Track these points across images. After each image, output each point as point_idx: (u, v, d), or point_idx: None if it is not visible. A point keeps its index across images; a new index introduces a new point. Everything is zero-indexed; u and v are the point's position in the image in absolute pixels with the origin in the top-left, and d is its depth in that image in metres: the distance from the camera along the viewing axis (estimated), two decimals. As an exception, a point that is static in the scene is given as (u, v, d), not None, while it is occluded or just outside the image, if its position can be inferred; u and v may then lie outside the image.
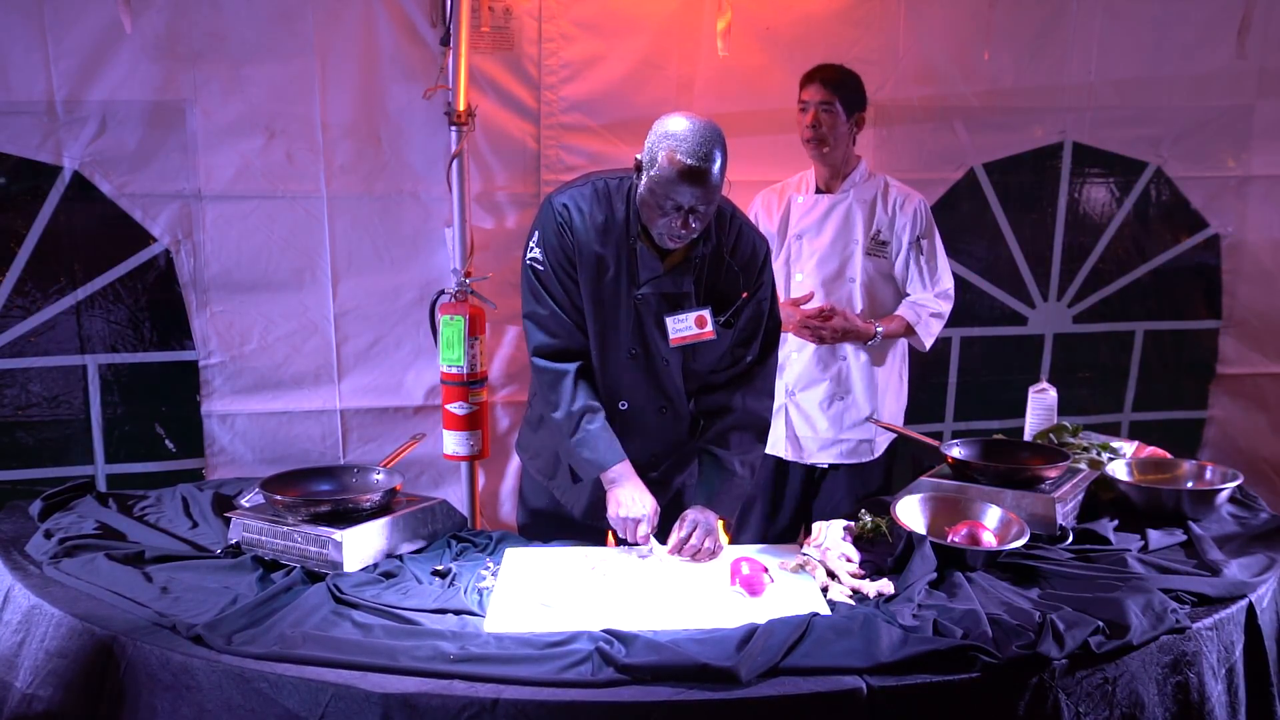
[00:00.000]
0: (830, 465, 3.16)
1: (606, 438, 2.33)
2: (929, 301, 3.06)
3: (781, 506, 3.24)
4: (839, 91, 2.93)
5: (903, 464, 3.31)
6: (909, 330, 3.06)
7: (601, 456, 2.32)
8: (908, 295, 3.09)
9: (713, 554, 2.28)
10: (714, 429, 2.44)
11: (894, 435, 3.18)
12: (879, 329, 3.01)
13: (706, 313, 2.34)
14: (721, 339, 2.38)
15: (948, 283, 3.10)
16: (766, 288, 2.42)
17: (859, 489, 3.15)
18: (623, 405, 2.41)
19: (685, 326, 2.34)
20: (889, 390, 3.17)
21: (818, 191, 3.09)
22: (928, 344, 3.10)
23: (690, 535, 2.28)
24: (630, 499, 2.30)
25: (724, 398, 2.45)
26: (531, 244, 2.33)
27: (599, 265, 2.30)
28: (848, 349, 3.09)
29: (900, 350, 3.20)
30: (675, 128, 2.15)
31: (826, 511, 3.15)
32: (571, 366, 2.34)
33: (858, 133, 3.03)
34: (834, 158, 3.01)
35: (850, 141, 3.02)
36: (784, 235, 3.10)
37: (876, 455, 3.17)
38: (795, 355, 3.11)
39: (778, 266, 3.07)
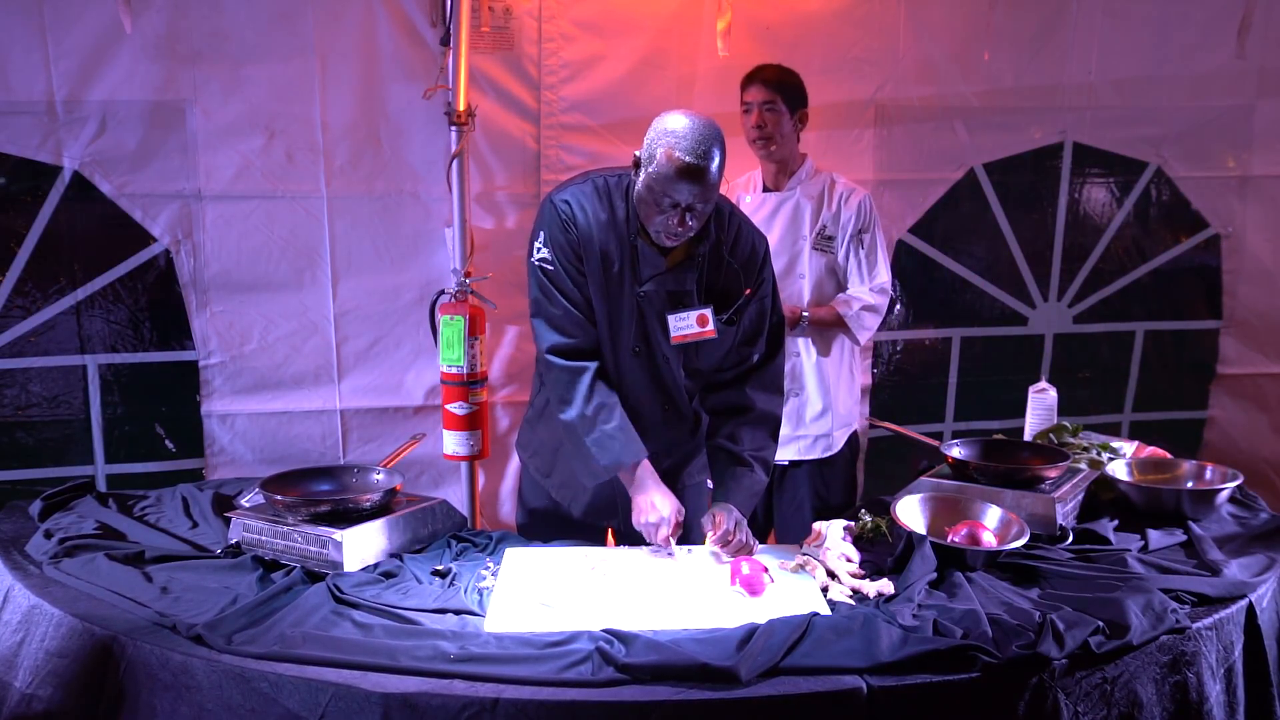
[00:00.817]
0: (791, 462, 3.19)
1: (623, 437, 2.29)
2: (863, 294, 3.09)
3: None
4: (780, 91, 2.98)
5: (876, 458, 3.32)
6: (840, 321, 3.09)
7: (618, 456, 2.29)
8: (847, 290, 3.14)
9: (751, 550, 2.28)
10: (726, 427, 2.44)
11: (852, 429, 3.24)
12: (805, 314, 3.06)
13: (708, 311, 2.33)
14: (724, 337, 2.37)
15: (884, 277, 3.12)
16: (768, 285, 2.42)
17: (820, 484, 3.19)
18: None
19: (687, 325, 2.33)
20: (840, 384, 3.20)
21: (765, 190, 3.13)
22: (861, 338, 3.15)
23: (735, 530, 2.28)
24: (650, 504, 2.28)
25: (734, 396, 2.45)
26: (537, 244, 2.31)
27: (604, 261, 2.29)
28: (799, 345, 3.13)
29: (848, 345, 3.23)
30: (674, 125, 2.14)
31: (790, 509, 3.19)
32: (591, 365, 2.31)
33: (801, 129, 3.08)
34: (780, 155, 3.06)
35: (795, 139, 3.07)
36: None
37: (835, 450, 3.20)
38: None
39: None
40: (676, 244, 2.26)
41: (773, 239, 3.06)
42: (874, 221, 3.11)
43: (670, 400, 2.44)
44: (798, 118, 3.03)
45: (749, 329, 2.41)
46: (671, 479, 2.55)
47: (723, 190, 3.14)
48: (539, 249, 2.30)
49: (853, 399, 3.27)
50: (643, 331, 2.35)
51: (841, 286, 3.14)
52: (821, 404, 3.15)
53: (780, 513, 3.24)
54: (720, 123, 2.20)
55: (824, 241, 3.09)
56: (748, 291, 2.37)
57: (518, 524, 2.73)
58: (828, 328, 3.13)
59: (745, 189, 3.17)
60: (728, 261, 2.35)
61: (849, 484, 3.28)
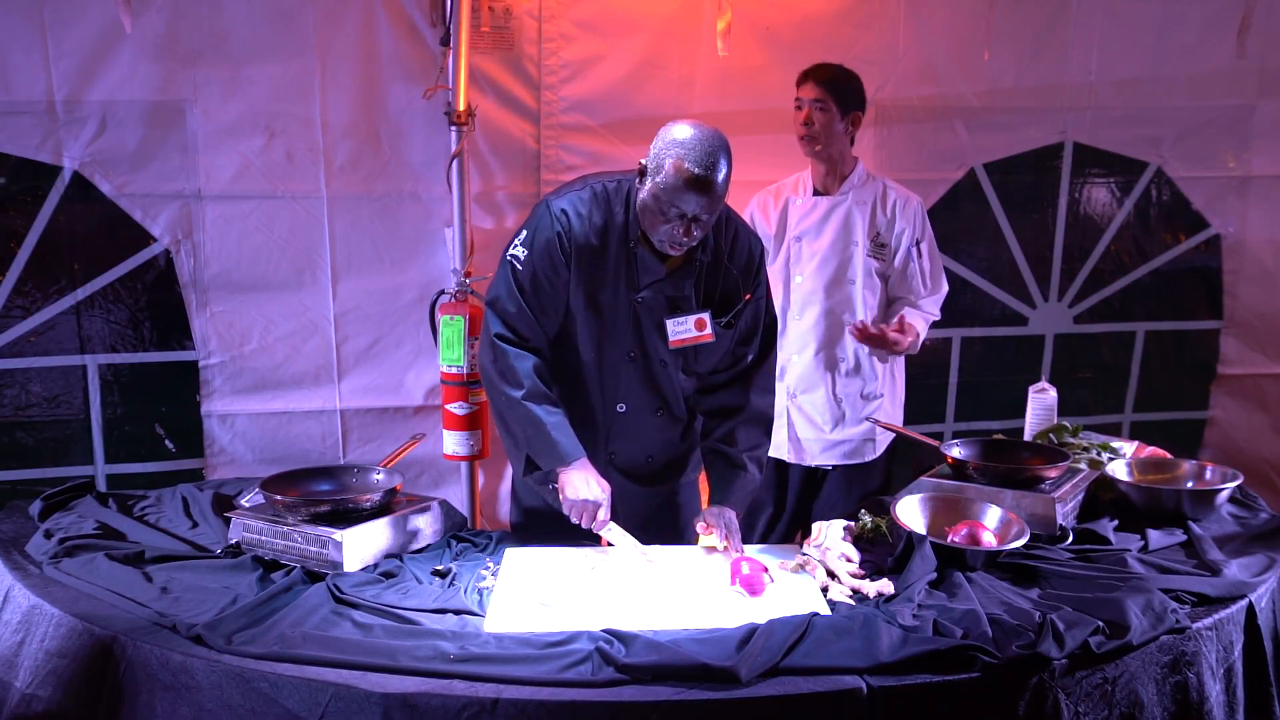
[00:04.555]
0: (833, 466, 3.16)
1: (571, 431, 2.29)
2: (931, 309, 3.09)
3: (784, 509, 3.24)
4: (833, 90, 2.94)
5: (902, 464, 3.31)
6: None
7: (569, 447, 2.27)
8: (903, 298, 3.09)
9: (740, 550, 2.27)
10: (721, 428, 2.44)
11: (894, 435, 3.18)
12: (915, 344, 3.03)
13: (706, 316, 2.35)
14: (721, 340, 2.38)
15: (945, 287, 3.13)
16: (763, 287, 2.44)
17: (859, 489, 3.15)
18: (620, 408, 2.41)
19: (685, 329, 2.34)
20: (888, 388, 3.17)
21: (815, 193, 3.09)
22: (917, 349, 3.12)
23: (728, 533, 2.28)
24: (583, 482, 2.24)
25: (728, 397, 2.46)
26: (518, 241, 2.31)
27: (597, 269, 2.30)
28: (861, 350, 3.08)
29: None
30: (682, 135, 2.15)
31: (825, 513, 3.15)
32: (533, 355, 2.31)
33: (854, 133, 3.03)
34: (827, 156, 3.01)
35: (847, 141, 3.02)
36: (782, 238, 3.10)
37: (878, 454, 3.17)
38: (796, 358, 3.11)
39: (777, 269, 3.09)
40: (680, 253, 2.27)
41: (824, 244, 3.04)
42: (928, 228, 3.09)
43: (665, 403, 2.45)
44: (849, 120, 2.97)
45: (744, 330, 2.42)
46: (665, 479, 2.55)
47: (769, 191, 3.14)
48: (517, 245, 2.31)
49: (895, 407, 3.24)
50: (638, 337, 2.35)
51: (887, 294, 3.11)
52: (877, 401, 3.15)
53: (817, 517, 3.22)
54: (721, 124, 2.20)
55: (877, 249, 3.05)
56: (747, 297, 2.37)
57: (512, 523, 2.71)
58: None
59: (794, 191, 3.10)
60: (726, 267, 2.36)
61: (885, 490, 3.20)
